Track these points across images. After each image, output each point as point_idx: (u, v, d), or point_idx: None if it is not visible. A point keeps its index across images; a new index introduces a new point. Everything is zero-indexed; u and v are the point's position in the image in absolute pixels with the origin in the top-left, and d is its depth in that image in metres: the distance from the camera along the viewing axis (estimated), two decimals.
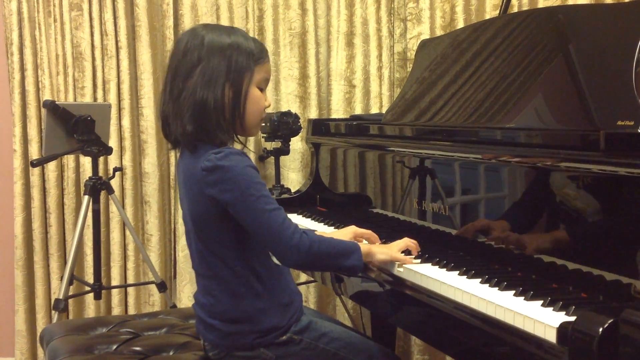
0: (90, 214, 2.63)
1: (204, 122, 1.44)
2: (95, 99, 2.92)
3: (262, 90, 1.51)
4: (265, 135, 2.78)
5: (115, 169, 2.74)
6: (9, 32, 2.91)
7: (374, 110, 2.95)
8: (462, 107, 1.81)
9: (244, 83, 1.46)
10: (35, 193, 2.94)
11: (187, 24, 2.90)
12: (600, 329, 1.01)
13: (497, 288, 1.34)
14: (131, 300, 2.97)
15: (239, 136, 1.53)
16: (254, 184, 1.43)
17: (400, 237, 1.63)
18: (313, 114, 2.97)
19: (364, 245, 1.57)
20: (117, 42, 2.90)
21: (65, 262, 2.89)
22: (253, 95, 1.48)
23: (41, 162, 2.57)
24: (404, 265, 1.55)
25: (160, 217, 2.96)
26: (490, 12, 2.84)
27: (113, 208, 2.88)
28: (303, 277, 2.87)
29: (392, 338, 2.49)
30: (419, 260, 1.58)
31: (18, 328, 3.00)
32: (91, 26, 2.89)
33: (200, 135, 1.45)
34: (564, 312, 1.17)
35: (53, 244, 2.96)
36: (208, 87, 1.43)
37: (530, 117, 1.59)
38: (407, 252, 1.61)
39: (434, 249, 1.64)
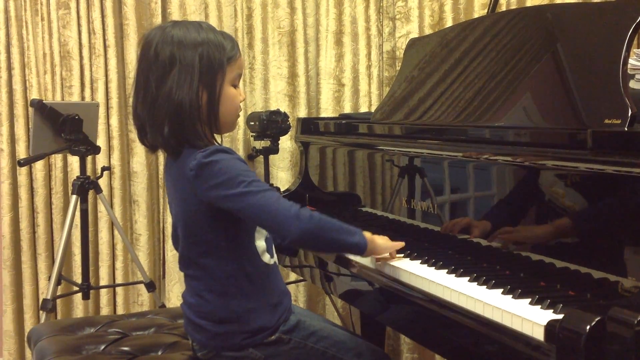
0: (78, 213, 2.62)
1: (182, 129, 1.42)
2: (83, 97, 2.90)
3: (235, 86, 1.49)
4: (254, 134, 2.77)
5: (104, 168, 2.73)
6: None
7: (363, 109, 2.95)
8: (450, 106, 1.81)
9: (217, 84, 1.44)
10: (23, 193, 2.91)
11: None
12: (588, 327, 1.01)
13: (486, 286, 1.34)
14: (120, 300, 2.96)
15: (219, 134, 1.52)
16: (244, 172, 1.41)
17: (390, 236, 1.62)
18: (302, 112, 2.96)
19: (366, 232, 1.53)
20: (105, 40, 2.88)
21: (53, 262, 2.88)
22: (227, 94, 1.46)
23: (29, 162, 2.55)
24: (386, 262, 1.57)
25: (149, 216, 2.95)
26: (479, 10, 2.85)
27: (101, 207, 2.87)
28: (293, 276, 2.86)
29: (382, 336, 2.49)
30: (401, 255, 1.59)
31: (6, 328, 2.98)
32: (79, 25, 2.88)
33: (181, 141, 1.43)
34: (552, 310, 1.18)
35: (41, 243, 2.94)
36: (182, 91, 1.40)
37: (519, 115, 1.59)
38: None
39: (423, 247, 1.64)
